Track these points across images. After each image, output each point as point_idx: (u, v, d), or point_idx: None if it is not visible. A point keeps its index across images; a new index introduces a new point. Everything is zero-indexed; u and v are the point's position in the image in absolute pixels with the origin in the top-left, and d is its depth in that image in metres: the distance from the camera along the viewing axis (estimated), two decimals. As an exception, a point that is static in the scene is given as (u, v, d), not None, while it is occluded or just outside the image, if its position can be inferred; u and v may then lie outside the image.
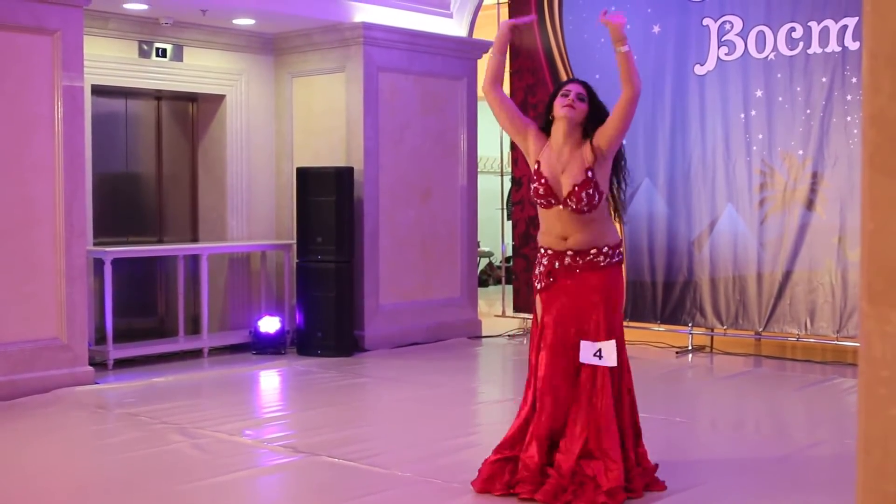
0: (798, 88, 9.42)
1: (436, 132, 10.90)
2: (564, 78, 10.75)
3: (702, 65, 9.95)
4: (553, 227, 5.28)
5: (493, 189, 12.80)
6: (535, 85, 11.02)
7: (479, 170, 11.65)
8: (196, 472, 5.78)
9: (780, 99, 9.52)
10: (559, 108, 5.25)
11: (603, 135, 5.19)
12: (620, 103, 5.17)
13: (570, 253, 5.22)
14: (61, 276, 8.18)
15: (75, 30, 8.24)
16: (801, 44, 9.39)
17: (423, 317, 10.81)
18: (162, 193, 10.61)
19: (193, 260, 10.11)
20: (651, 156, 10.28)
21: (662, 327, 10.32)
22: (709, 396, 8.32)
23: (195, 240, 10.66)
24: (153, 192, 10.58)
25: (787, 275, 9.51)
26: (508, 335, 11.25)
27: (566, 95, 5.25)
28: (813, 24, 9.33)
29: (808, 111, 9.38)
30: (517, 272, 11.37)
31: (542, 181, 5.25)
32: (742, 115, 9.73)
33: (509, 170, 11.61)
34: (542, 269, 5.31)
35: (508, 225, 11.87)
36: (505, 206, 12.23)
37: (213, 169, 10.59)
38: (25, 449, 6.48)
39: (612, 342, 5.19)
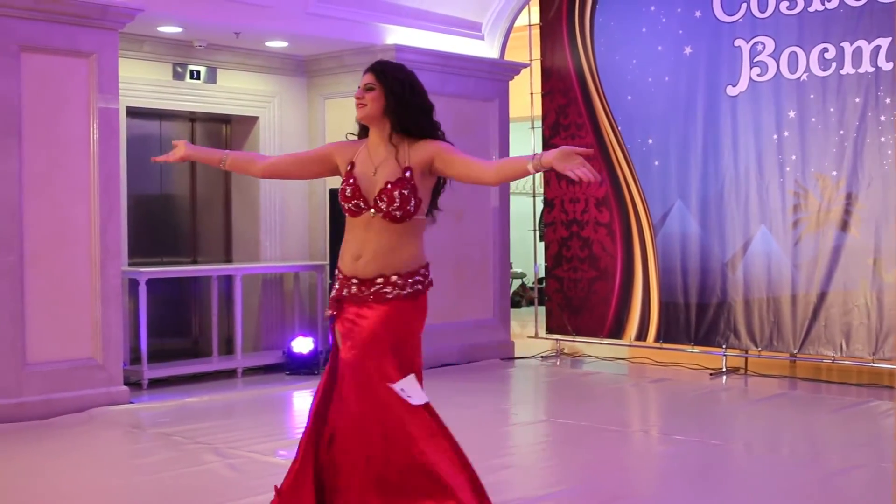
0: (831, 109, 9.37)
1: (468, 153, 10.87)
2: (596, 99, 10.76)
3: (734, 86, 9.92)
4: (353, 240, 4.49)
5: (525, 210, 12.79)
6: (566, 106, 11.02)
7: (511, 191, 11.65)
8: (229, 493, 5.79)
9: (814, 120, 9.48)
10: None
11: (441, 159, 4.50)
12: (477, 171, 4.51)
13: (355, 281, 4.43)
14: (96, 296, 8.23)
15: (110, 52, 8.32)
16: (834, 64, 9.35)
17: (455, 338, 10.80)
18: (196, 214, 10.67)
19: (227, 280, 10.16)
20: (683, 177, 10.25)
21: (696, 349, 10.26)
22: (743, 419, 8.27)
23: (229, 261, 10.71)
24: (187, 213, 10.64)
25: (822, 296, 9.45)
26: (541, 357, 11.22)
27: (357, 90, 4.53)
28: (846, 44, 9.30)
29: (842, 132, 9.33)
30: (550, 293, 11.35)
31: (351, 181, 4.49)
32: (775, 136, 9.69)
33: (541, 191, 11.60)
34: (333, 293, 4.56)
35: (541, 246, 11.85)
36: (537, 227, 12.23)
37: (246, 190, 10.64)
38: (60, 467, 6.51)
39: (411, 376, 4.39)
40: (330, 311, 4.56)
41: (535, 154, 4.19)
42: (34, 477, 6.36)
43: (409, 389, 4.38)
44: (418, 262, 4.50)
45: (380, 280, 4.41)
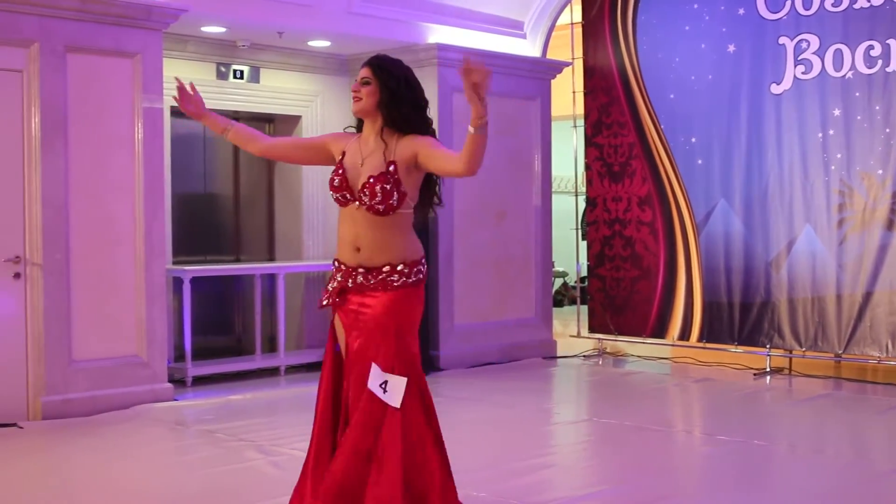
0: (877, 107, 9.29)
1: (510, 153, 10.91)
2: (639, 98, 10.73)
3: (778, 84, 9.86)
4: (347, 232, 4.56)
5: (567, 209, 12.76)
6: (608, 104, 10.99)
7: (553, 190, 11.63)
8: (273, 490, 5.81)
9: (859, 118, 9.39)
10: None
11: (423, 154, 4.46)
12: (450, 164, 4.43)
13: (361, 270, 4.50)
14: (141, 294, 8.30)
15: (155, 53, 8.39)
16: (880, 62, 9.26)
17: (497, 337, 10.80)
18: (239, 213, 10.73)
19: (270, 279, 10.21)
20: (727, 176, 10.19)
21: (740, 349, 10.20)
22: (787, 419, 8.21)
23: (272, 259, 10.76)
24: (231, 211, 10.70)
25: (868, 296, 9.36)
26: (583, 356, 11.20)
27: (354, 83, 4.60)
28: (892, 41, 9.20)
29: (888, 130, 9.25)
30: (592, 292, 11.32)
31: (340, 171, 4.57)
32: (819, 135, 9.61)
33: (584, 189, 11.58)
34: (334, 285, 4.61)
35: (583, 245, 11.82)
36: (579, 226, 12.20)
37: (289, 189, 10.69)
38: (105, 464, 6.58)
39: (404, 380, 4.43)
40: (327, 300, 4.63)
41: (472, 119, 4.23)
42: (80, 472, 6.43)
43: (392, 389, 4.43)
44: (419, 253, 4.59)
45: (386, 268, 4.49)
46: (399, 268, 4.49)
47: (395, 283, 4.48)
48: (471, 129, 4.22)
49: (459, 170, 4.39)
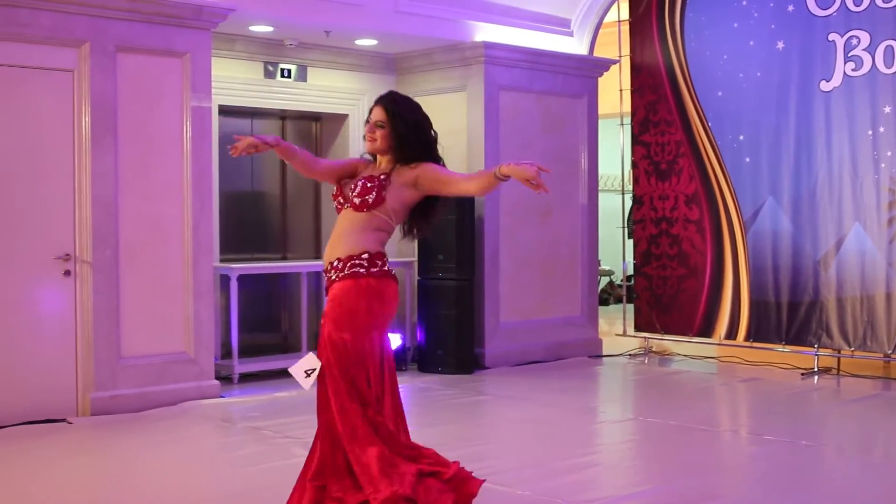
0: (929, 104, 9.20)
1: (556, 151, 10.89)
2: (686, 95, 10.68)
3: (827, 81, 9.77)
4: (334, 232, 4.93)
5: (613, 207, 12.72)
6: (656, 102, 10.94)
7: (599, 188, 11.60)
8: (318, 487, 5.84)
9: (910, 115, 9.31)
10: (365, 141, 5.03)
11: (427, 176, 4.84)
12: (464, 185, 4.86)
13: (333, 264, 4.85)
14: (189, 292, 8.37)
15: (203, 52, 8.46)
16: (932, 59, 9.18)
17: (543, 335, 10.79)
18: (286, 211, 10.79)
19: (316, 276, 10.26)
20: (775, 173, 10.12)
21: (787, 348, 10.12)
22: (835, 420, 8.14)
23: (318, 257, 10.79)
24: (277, 210, 10.76)
25: (918, 295, 9.28)
26: (629, 354, 11.17)
27: (368, 123, 4.97)
28: (944, 38, 9.12)
29: (940, 127, 9.15)
30: (638, 291, 11.28)
31: (343, 181, 5.01)
32: (870, 132, 9.52)
33: (630, 188, 11.54)
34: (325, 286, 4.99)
35: (629, 243, 11.79)
36: (626, 225, 12.16)
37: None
38: (152, 460, 6.64)
39: (315, 364, 4.78)
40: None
41: (499, 166, 4.68)
42: (128, 468, 6.50)
43: (303, 370, 4.79)
44: (364, 248, 4.83)
45: (350, 261, 4.81)
46: (356, 261, 4.81)
47: (344, 274, 4.81)
48: (499, 173, 4.65)
49: (472, 190, 4.89)
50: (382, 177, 4.85)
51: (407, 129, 4.90)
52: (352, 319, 4.78)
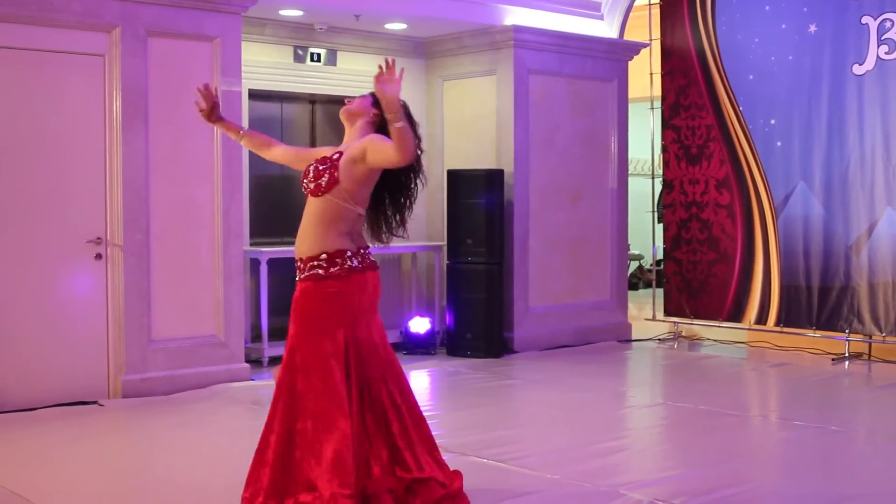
0: (963, 88, 9.12)
1: (586, 134, 10.87)
2: (717, 79, 10.62)
3: (860, 64, 9.69)
4: (301, 224, 4.91)
5: (643, 191, 12.68)
6: (686, 86, 10.89)
7: (629, 172, 11.57)
8: (347, 470, 5.86)
9: (944, 99, 9.23)
10: None
11: (371, 148, 4.69)
12: (386, 153, 4.61)
13: (297, 263, 4.84)
14: (219, 275, 8.41)
15: (233, 36, 8.48)
16: (967, 42, 9.10)
17: (572, 319, 10.79)
18: (316, 195, 10.79)
19: (346, 260, 10.26)
20: (807, 158, 10.05)
21: (818, 333, 10.07)
22: (866, 406, 8.10)
23: (347, 241, 10.82)
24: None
25: (950, 281, 9.21)
26: (659, 339, 11.14)
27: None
28: (979, 21, 9.03)
29: (974, 111, 9.07)
30: (668, 275, 11.25)
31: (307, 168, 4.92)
32: (903, 116, 9.46)
33: (660, 172, 11.50)
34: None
35: (659, 228, 11.75)
36: (656, 209, 12.12)
37: (365, 171, 10.72)
38: (183, 441, 6.69)
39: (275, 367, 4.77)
40: None
41: (386, 116, 4.51)
42: (159, 450, 6.55)
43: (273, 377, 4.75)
44: (339, 246, 4.75)
45: (312, 261, 4.76)
46: (315, 262, 4.74)
47: (305, 275, 4.77)
48: (395, 124, 4.44)
49: (393, 158, 4.59)
50: (335, 156, 4.77)
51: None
52: (311, 323, 4.74)
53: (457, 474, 5.10)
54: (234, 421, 7.32)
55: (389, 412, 4.86)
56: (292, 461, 4.71)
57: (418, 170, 4.98)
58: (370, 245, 4.97)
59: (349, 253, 4.76)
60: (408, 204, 5.04)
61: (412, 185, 5.01)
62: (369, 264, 4.84)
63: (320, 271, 4.73)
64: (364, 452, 4.73)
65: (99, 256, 7.88)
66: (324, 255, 4.74)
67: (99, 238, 7.87)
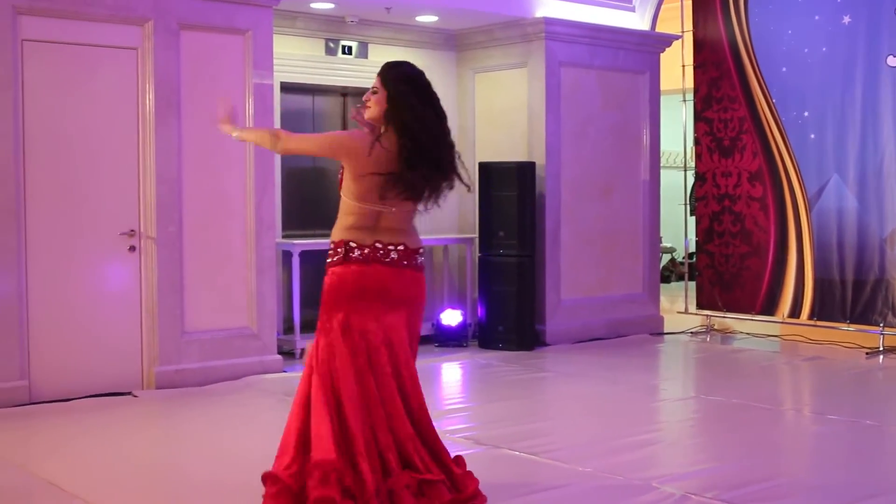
0: None
1: (618, 127, 10.83)
2: (750, 71, 10.57)
3: (895, 56, 9.61)
4: None
5: (676, 184, 12.64)
6: (719, 78, 10.84)
7: (661, 165, 11.53)
8: (379, 461, 5.87)
9: (980, 90, 9.15)
10: None
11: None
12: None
13: None
14: (252, 267, 8.45)
15: (265, 29, 8.50)
16: None
17: (604, 312, 10.76)
18: (347, 188, 10.81)
19: (377, 253, 10.27)
20: (840, 150, 9.99)
21: (852, 327, 10.01)
22: (900, 399, 8.06)
23: (379, 234, 10.83)
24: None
25: None
26: (691, 332, 11.10)
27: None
28: None
29: None
30: (700, 268, 11.21)
31: None
32: (938, 108, 9.38)
33: (693, 164, 11.45)
34: None
35: (692, 220, 11.71)
36: (688, 202, 12.07)
37: (396, 164, 10.73)
38: (216, 433, 6.72)
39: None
40: None
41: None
42: (192, 441, 6.58)
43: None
44: (331, 238, 5.04)
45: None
46: (328, 250, 5.01)
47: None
48: (233, 134, 5.33)
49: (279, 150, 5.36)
50: None
51: (397, 93, 4.84)
52: (321, 305, 4.96)
53: (470, 478, 4.97)
54: (266, 412, 7.35)
55: (396, 410, 4.86)
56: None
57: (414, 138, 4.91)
58: (406, 245, 5.04)
59: (353, 244, 4.94)
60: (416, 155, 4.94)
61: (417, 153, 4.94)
62: (378, 258, 4.91)
63: (327, 259, 4.99)
64: (375, 442, 4.79)
65: (132, 249, 7.93)
66: (331, 245, 5.00)
67: (132, 230, 7.92)
